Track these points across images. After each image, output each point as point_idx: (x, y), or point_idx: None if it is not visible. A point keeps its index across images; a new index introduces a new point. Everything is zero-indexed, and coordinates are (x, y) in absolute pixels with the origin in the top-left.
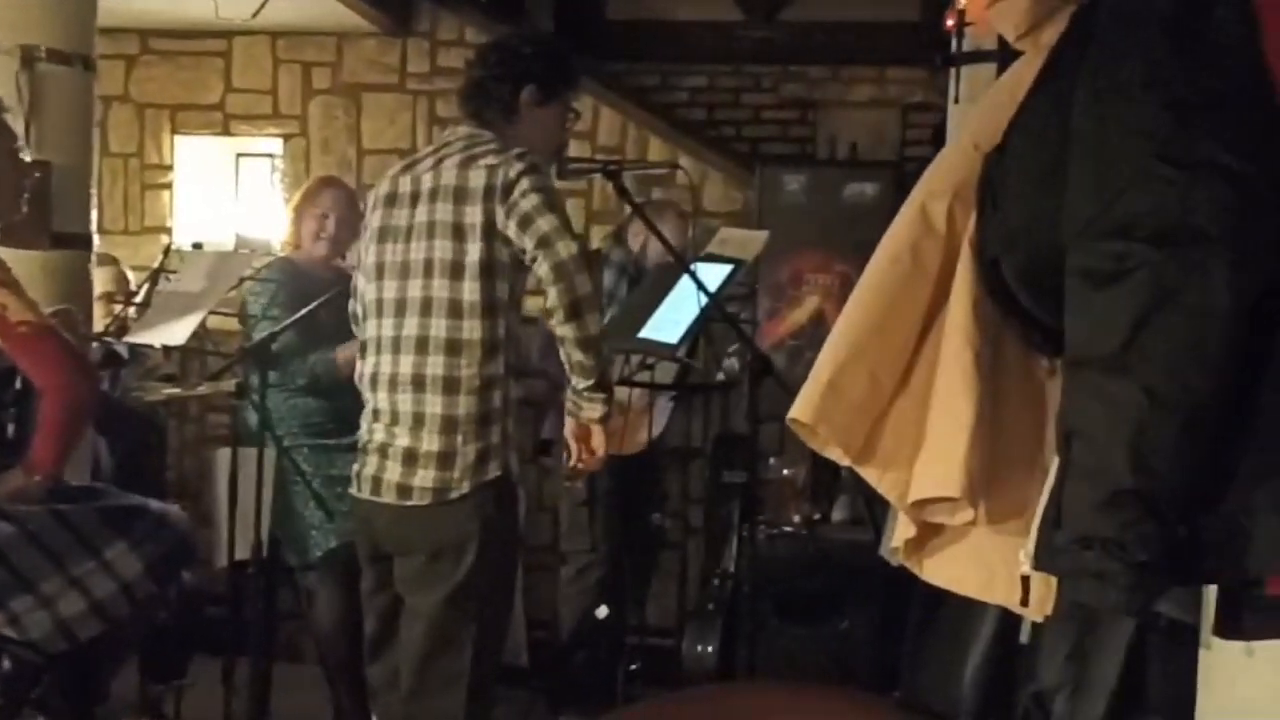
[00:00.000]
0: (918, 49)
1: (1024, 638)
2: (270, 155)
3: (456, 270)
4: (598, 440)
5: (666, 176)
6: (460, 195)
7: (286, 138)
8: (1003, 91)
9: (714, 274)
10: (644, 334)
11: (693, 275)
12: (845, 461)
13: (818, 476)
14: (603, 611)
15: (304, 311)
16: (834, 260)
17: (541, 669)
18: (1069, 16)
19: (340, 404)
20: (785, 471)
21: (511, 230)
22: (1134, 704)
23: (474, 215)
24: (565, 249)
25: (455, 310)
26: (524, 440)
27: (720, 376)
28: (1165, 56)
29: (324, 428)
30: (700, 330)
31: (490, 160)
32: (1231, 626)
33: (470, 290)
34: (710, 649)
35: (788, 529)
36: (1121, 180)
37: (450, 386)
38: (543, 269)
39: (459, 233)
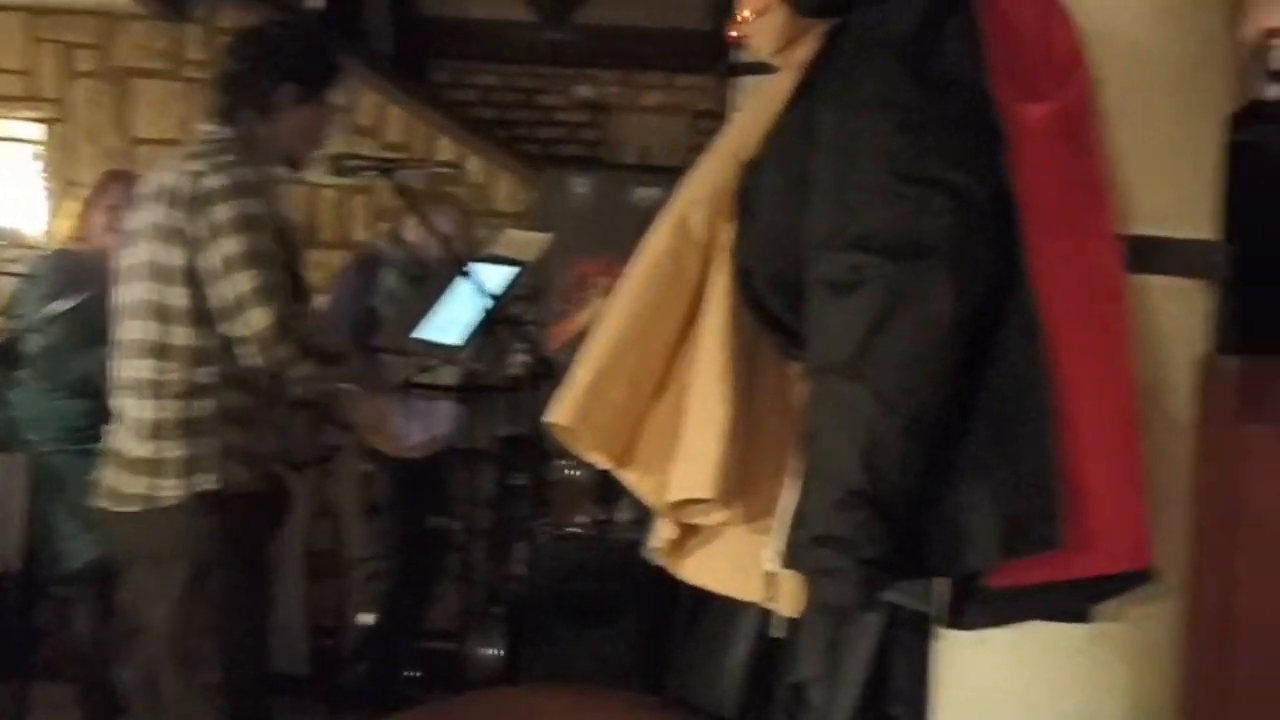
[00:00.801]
0: (706, 57)
1: (778, 633)
2: (24, 140)
3: (161, 274)
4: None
5: (456, 175)
6: (168, 197)
7: (48, 122)
8: (760, 104)
9: (499, 275)
10: (424, 335)
11: (471, 277)
12: (606, 465)
13: (603, 477)
14: (369, 618)
15: (55, 309)
16: (620, 263)
17: (324, 677)
18: (821, 36)
19: (105, 407)
20: (571, 473)
21: (204, 264)
22: (882, 692)
23: (176, 219)
24: (258, 318)
25: (163, 315)
26: (304, 443)
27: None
28: (901, 81)
29: (87, 432)
30: (484, 332)
31: (196, 165)
32: (957, 618)
33: (175, 295)
34: (495, 652)
35: (574, 530)
36: (859, 195)
37: (156, 391)
38: (234, 334)
39: (163, 235)
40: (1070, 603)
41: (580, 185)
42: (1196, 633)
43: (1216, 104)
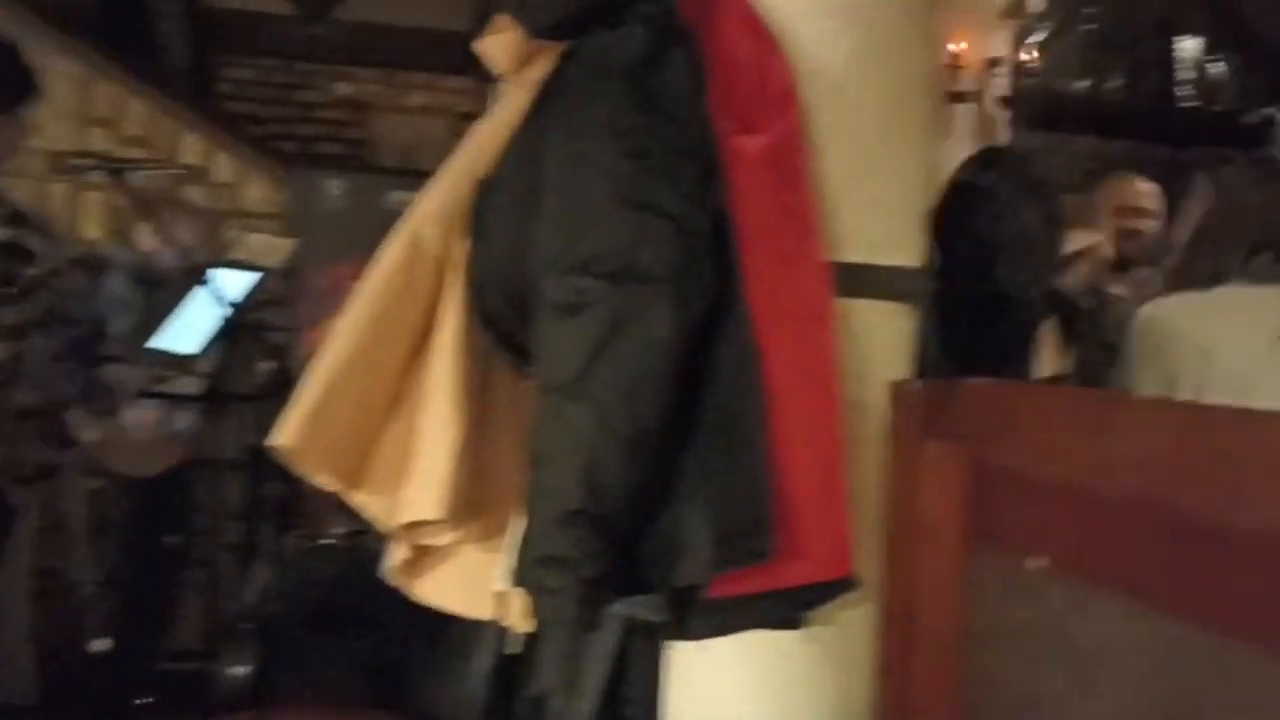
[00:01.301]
0: (469, 59)
1: (514, 648)
2: None
3: None
4: None
5: (197, 177)
6: None
7: None
8: (495, 121)
9: (240, 281)
10: (158, 344)
11: (208, 284)
12: (334, 488)
13: None
14: (103, 644)
15: None
16: None
17: (54, 706)
18: (556, 56)
19: None
20: None
21: None
22: (619, 701)
23: None
24: None
25: None
26: (30, 455)
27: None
28: (625, 107)
29: None
30: (226, 339)
31: None
32: (680, 629)
33: None
34: (244, 670)
35: (326, 542)
36: (585, 219)
37: None
38: None
39: None
40: (782, 610)
41: (335, 187)
42: (886, 634)
43: (921, 138)
